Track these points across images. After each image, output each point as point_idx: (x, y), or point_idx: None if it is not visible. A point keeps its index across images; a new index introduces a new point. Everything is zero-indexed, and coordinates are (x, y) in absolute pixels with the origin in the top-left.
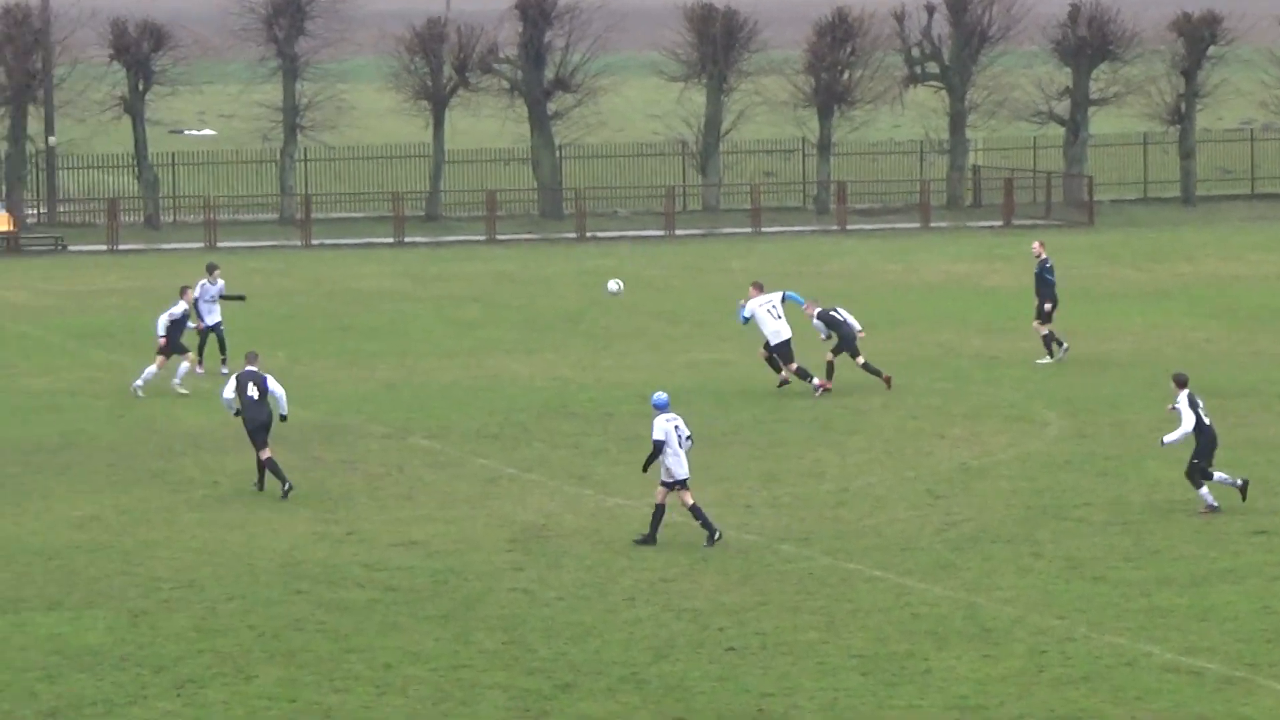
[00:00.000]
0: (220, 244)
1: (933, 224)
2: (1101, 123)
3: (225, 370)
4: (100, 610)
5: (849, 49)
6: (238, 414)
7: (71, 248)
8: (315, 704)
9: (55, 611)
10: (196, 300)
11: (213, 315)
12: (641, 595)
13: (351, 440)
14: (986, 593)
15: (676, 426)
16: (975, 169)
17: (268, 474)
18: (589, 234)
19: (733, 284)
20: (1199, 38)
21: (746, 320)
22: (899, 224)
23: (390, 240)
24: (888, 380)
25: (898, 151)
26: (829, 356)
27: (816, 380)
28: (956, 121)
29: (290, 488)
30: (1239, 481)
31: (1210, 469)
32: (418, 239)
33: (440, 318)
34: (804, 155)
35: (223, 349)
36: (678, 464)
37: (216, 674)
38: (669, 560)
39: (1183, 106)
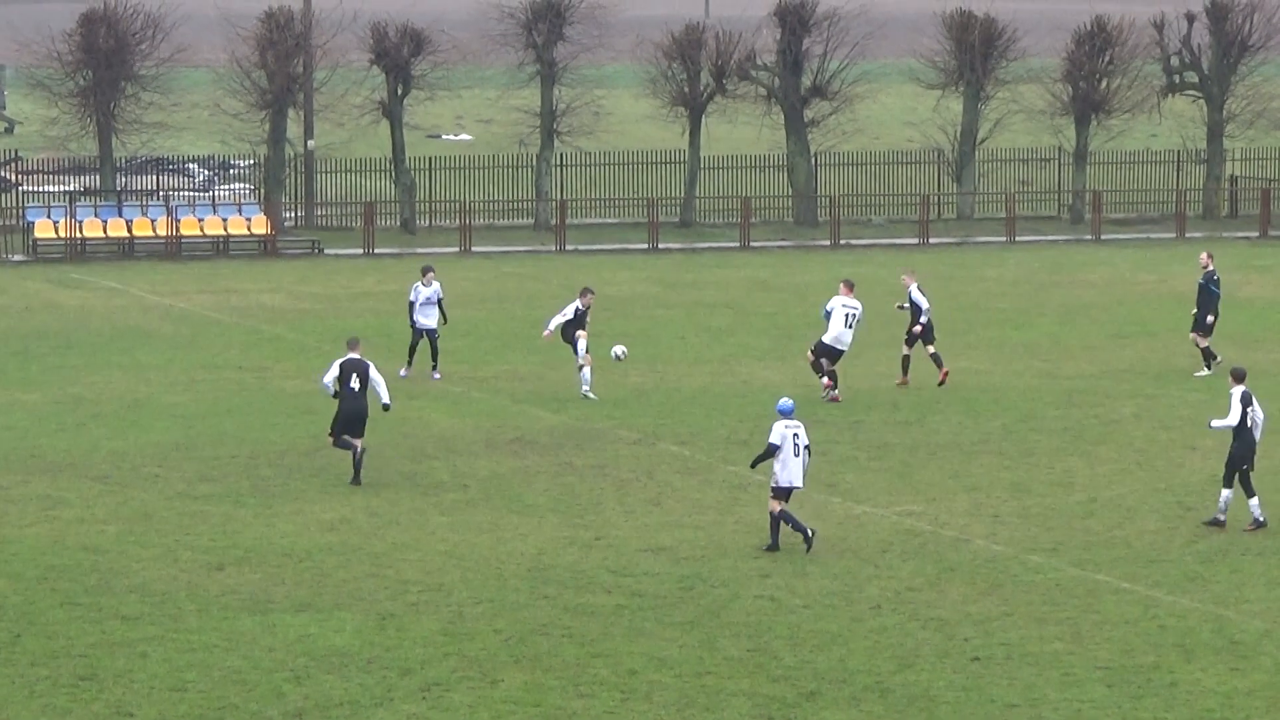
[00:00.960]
0: (475, 248)
1: (1188, 234)
2: None
3: (436, 376)
4: (348, 612)
5: (1107, 57)
6: (335, 396)
7: (328, 251)
8: (560, 709)
9: (304, 613)
10: (411, 303)
11: (429, 319)
12: (887, 604)
13: (601, 445)
14: (1235, 605)
15: (795, 434)
16: (1232, 179)
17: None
18: (843, 241)
19: (986, 292)
20: None
21: (827, 315)
22: (1154, 234)
23: (644, 246)
24: (944, 375)
25: (1154, 161)
26: (906, 350)
27: (830, 388)
28: (1214, 131)
29: (358, 483)
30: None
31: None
32: (671, 245)
33: (692, 324)
34: (1060, 164)
35: (434, 355)
36: (784, 471)
37: (462, 678)
38: (915, 569)
39: None
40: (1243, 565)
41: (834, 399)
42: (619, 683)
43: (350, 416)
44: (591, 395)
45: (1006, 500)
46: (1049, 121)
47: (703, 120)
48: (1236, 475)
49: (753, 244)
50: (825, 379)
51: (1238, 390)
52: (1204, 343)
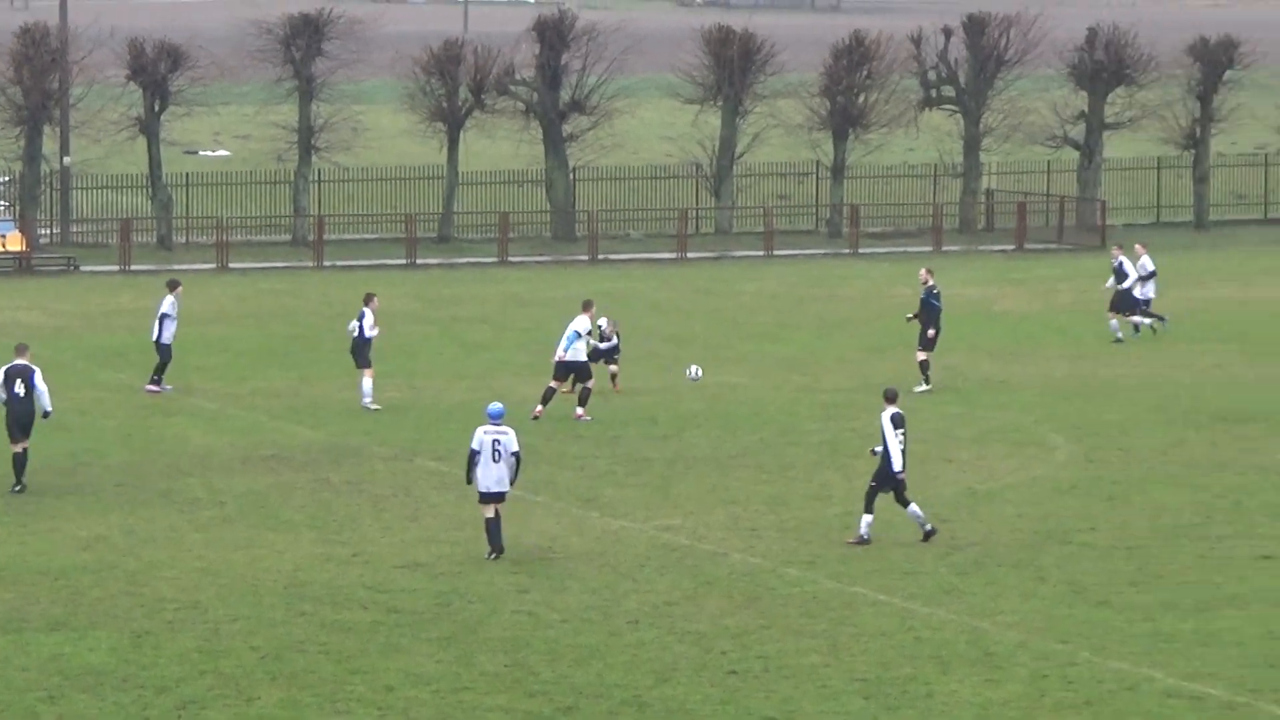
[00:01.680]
0: (232, 265)
1: (945, 247)
2: (1116, 146)
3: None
4: (103, 631)
5: (865, 72)
6: (4, 402)
7: (84, 268)
8: None
9: (58, 632)
10: (162, 315)
11: (169, 333)
12: (645, 619)
13: (359, 461)
14: (990, 617)
15: (497, 440)
16: (989, 193)
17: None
18: (601, 256)
19: (744, 307)
20: (1215, 62)
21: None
22: (911, 247)
23: (402, 262)
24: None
25: (911, 175)
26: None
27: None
28: (971, 145)
29: (21, 488)
30: None
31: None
32: (430, 261)
33: (450, 339)
34: (817, 178)
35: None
36: (483, 476)
37: (218, 695)
38: (673, 583)
39: (1197, 131)
40: (998, 577)
41: (537, 416)
42: (376, 699)
43: (19, 421)
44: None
45: (764, 513)
46: (807, 136)
47: (461, 135)
48: (877, 495)
49: (511, 259)
50: (542, 407)
51: (889, 411)
52: (924, 356)
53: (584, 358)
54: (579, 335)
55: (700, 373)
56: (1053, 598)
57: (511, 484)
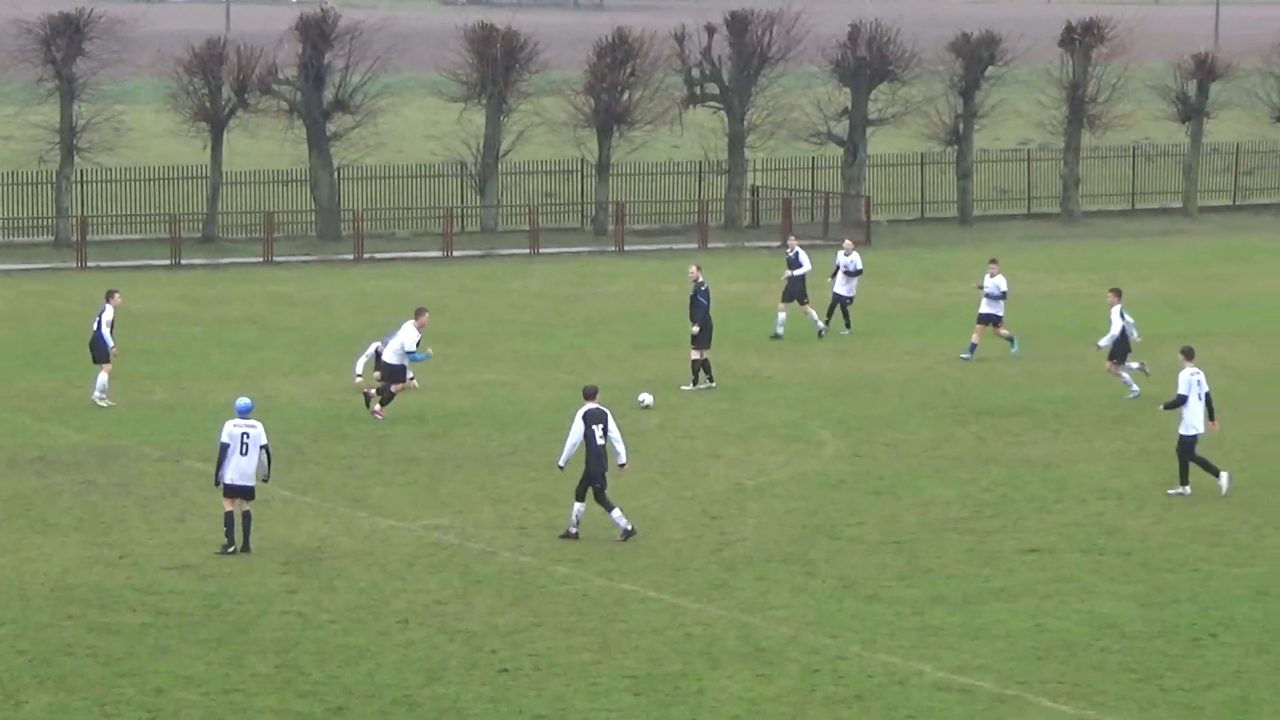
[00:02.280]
0: None
1: (711, 244)
2: (880, 143)
3: None
4: None
5: (629, 70)
6: None
7: None
8: None
9: None
10: None
11: None
12: (415, 618)
13: (126, 463)
14: (760, 612)
15: (246, 434)
16: (754, 189)
17: None
18: (367, 255)
19: (510, 305)
20: (977, 58)
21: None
22: (677, 244)
23: (167, 262)
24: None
25: (676, 172)
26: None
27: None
28: (735, 142)
29: None
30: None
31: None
32: (195, 261)
33: (216, 340)
34: (583, 176)
35: None
36: (233, 468)
37: None
38: (442, 582)
39: (960, 127)
40: (768, 573)
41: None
42: (145, 702)
43: None
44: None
45: (533, 511)
46: (572, 133)
47: (224, 135)
48: (591, 490)
49: (276, 259)
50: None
51: (586, 408)
52: (698, 355)
53: (401, 362)
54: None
55: (650, 400)
56: (822, 592)
57: (266, 480)
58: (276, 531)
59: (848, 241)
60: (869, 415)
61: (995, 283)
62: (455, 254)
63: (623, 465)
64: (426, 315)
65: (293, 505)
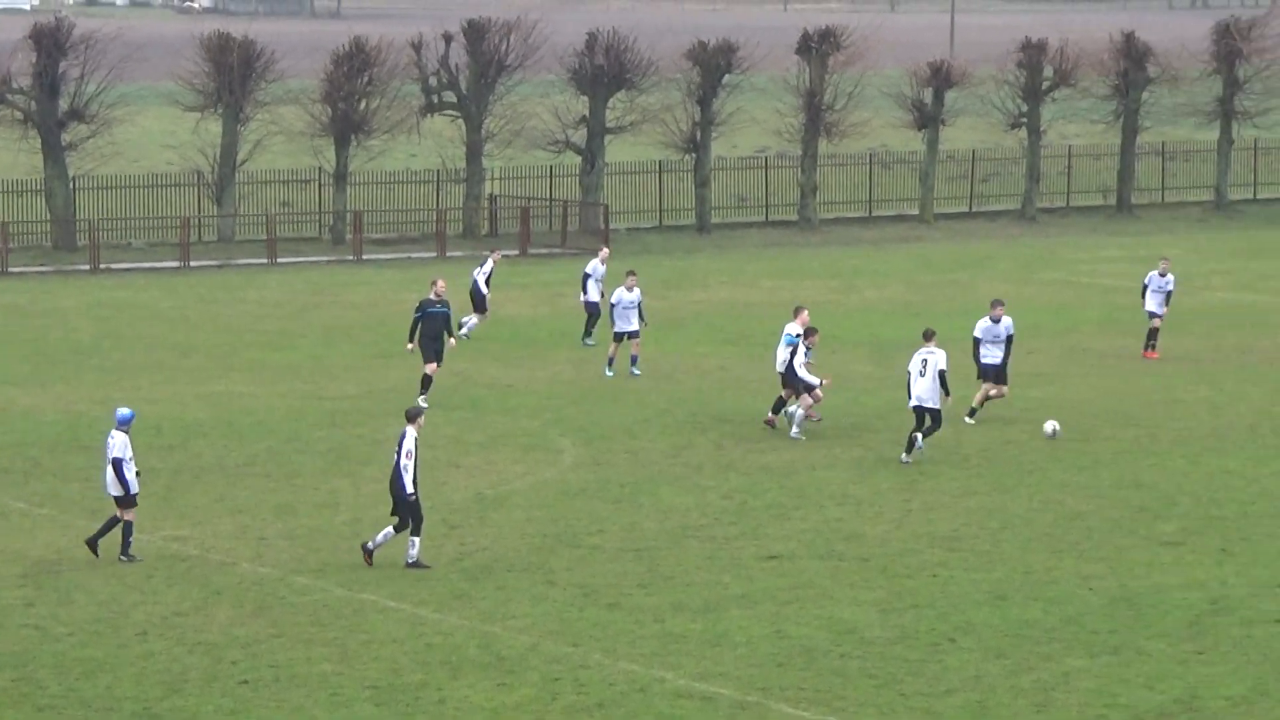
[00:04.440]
0: None
1: (449, 253)
2: (618, 151)
3: None
4: None
5: (366, 78)
6: None
7: None
8: None
9: None
10: None
11: None
12: (154, 630)
13: None
14: (501, 621)
15: (109, 445)
16: (492, 198)
17: None
18: (103, 266)
19: (248, 314)
20: (714, 66)
21: None
22: (415, 253)
23: None
24: None
25: (414, 181)
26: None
27: None
28: (473, 150)
29: None
30: None
31: None
32: None
33: None
34: (320, 185)
35: None
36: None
37: None
38: (182, 594)
39: (698, 135)
40: (508, 582)
41: None
42: None
43: None
44: None
45: (273, 522)
46: (309, 142)
47: None
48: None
49: (11, 270)
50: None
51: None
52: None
53: None
54: None
55: (1057, 428)
56: (563, 601)
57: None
58: (13, 544)
59: (605, 250)
60: (609, 423)
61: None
62: (192, 264)
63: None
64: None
65: (29, 518)
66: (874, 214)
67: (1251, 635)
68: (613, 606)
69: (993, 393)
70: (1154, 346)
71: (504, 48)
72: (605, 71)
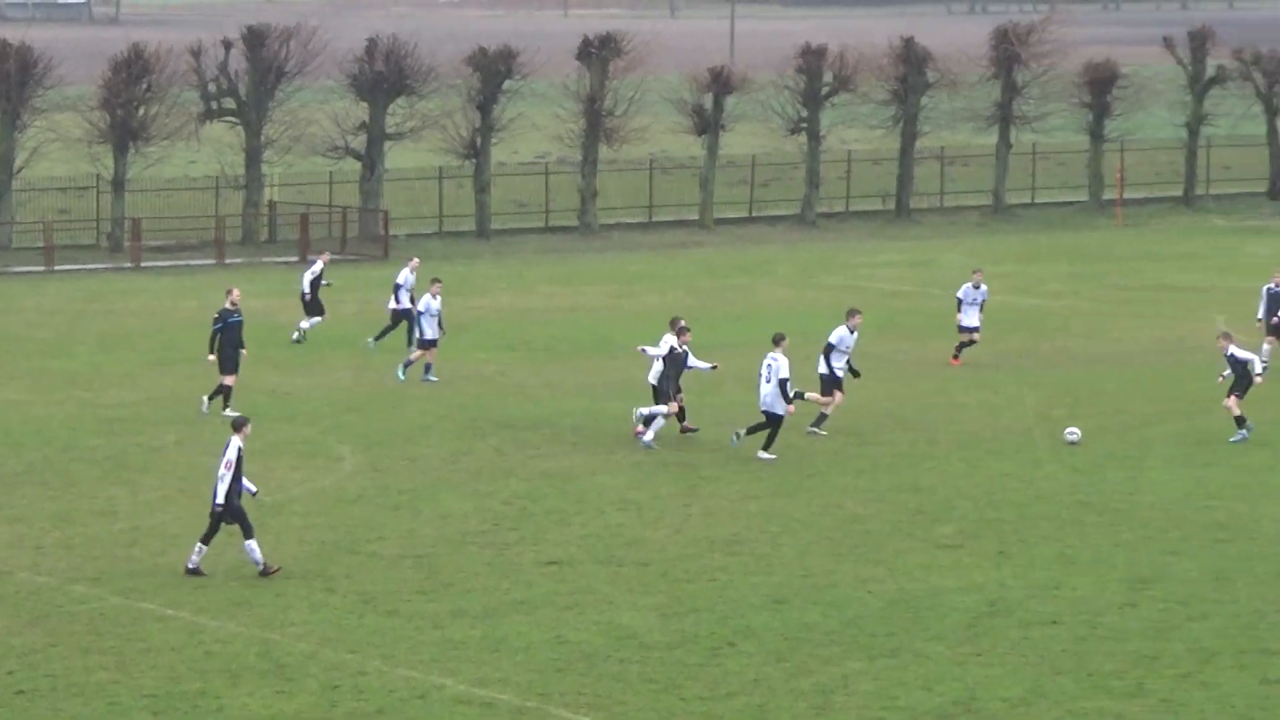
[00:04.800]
0: None
1: (228, 260)
2: (398, 157)
3: None
4: None
5: (145, 85)
6: None
7: None
8: None
9: None
10: None
11: None
12: None
13: None
14: (280, 629)
15: None
16: (272, 204)
17: None
18: None
19: (25, 323)
20: (495, 72)
21: None
22: (194, 260)
23: None
24: None
25: (194, 188)
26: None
27: None
28: (253, 157)
29: None
30: None
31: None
32: None
33: None
34: (99, 192)
35: None
36: None
37: None
38: None
39: (478, 140)
40: (287, 589)
41: None
42: None
43: None
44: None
45: (49, 531)
46: (87, 149)
47: None
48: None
49: None
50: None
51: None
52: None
53: None
54: None
55: (1078, 434)
56: (342, 608)
57: None
58: None
59: (415, 260)
60: (388, 430)
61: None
62: None
63: (254, 493)
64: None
65: None
66: (654, 219)
67: (1029, 637)
68: (392, 613)
69: (820, 399)
70: (958, 354)
71: (283, 54)
72: (385, 77)
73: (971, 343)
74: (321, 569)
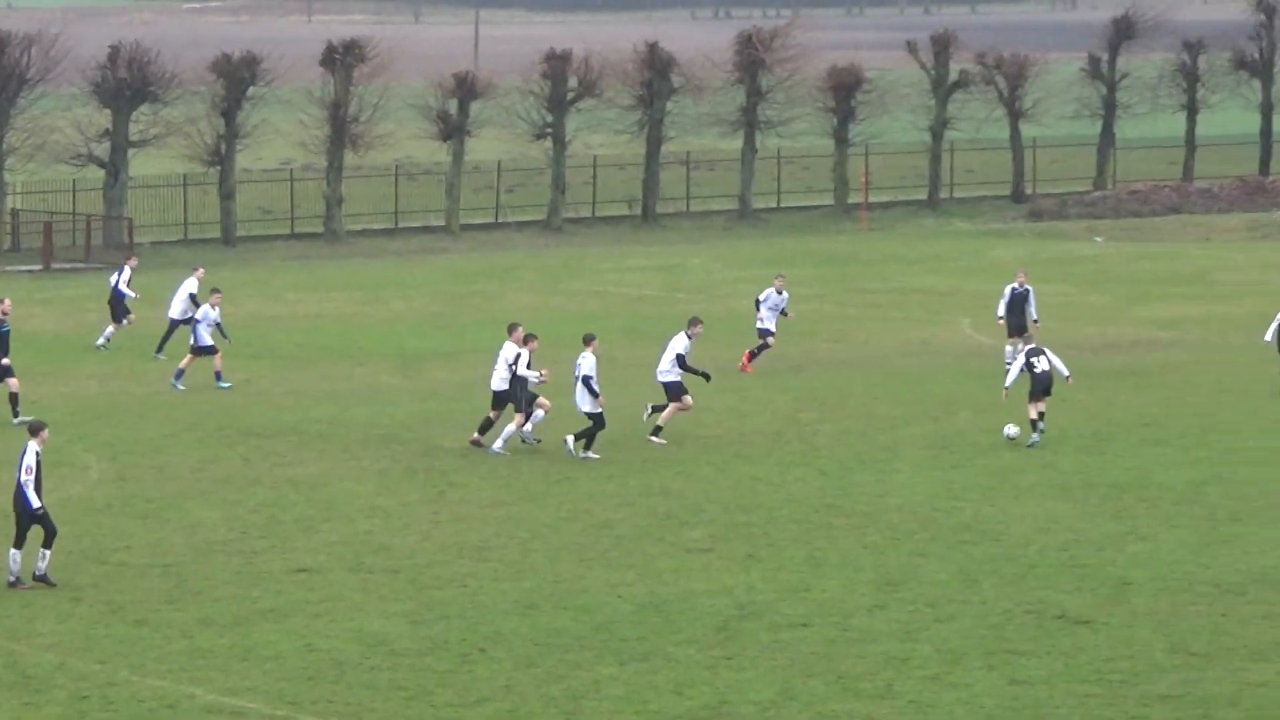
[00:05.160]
0: None
1: None
2: (143, 164)
3: None
4: None
5: None
6: None
7: None
8: None
9: None
10: None
11: None
12: None
13: None
14: (26, 639)
15: None
16: (14, 212)
17: None
18: None
19: None
20: (238, 79)
21: None
22: None
23: None
24: None
25: None
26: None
27: None
28: None
29: None
30: None
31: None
32: None
33: None
34: None
35: None
36: None
37: None
38: None
39: (223, 147)
40: (33, 599)
41: None
42: None
43: None
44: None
45: None
46: None
47: None
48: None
49: None
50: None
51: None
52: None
53: None
54: None
55: (1015, 431)
56: (89, 618)
57: None
58: None
59: (200, 270)
60: (135, 438)
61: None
62: None
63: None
64: None
65: None
66: (400, 225)
67: (779, 639)
68: (140, 623)
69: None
70: (752, 357)
71: (24, 61)
72: (128, 84)
73: (766, 346)
74: (69, 579)
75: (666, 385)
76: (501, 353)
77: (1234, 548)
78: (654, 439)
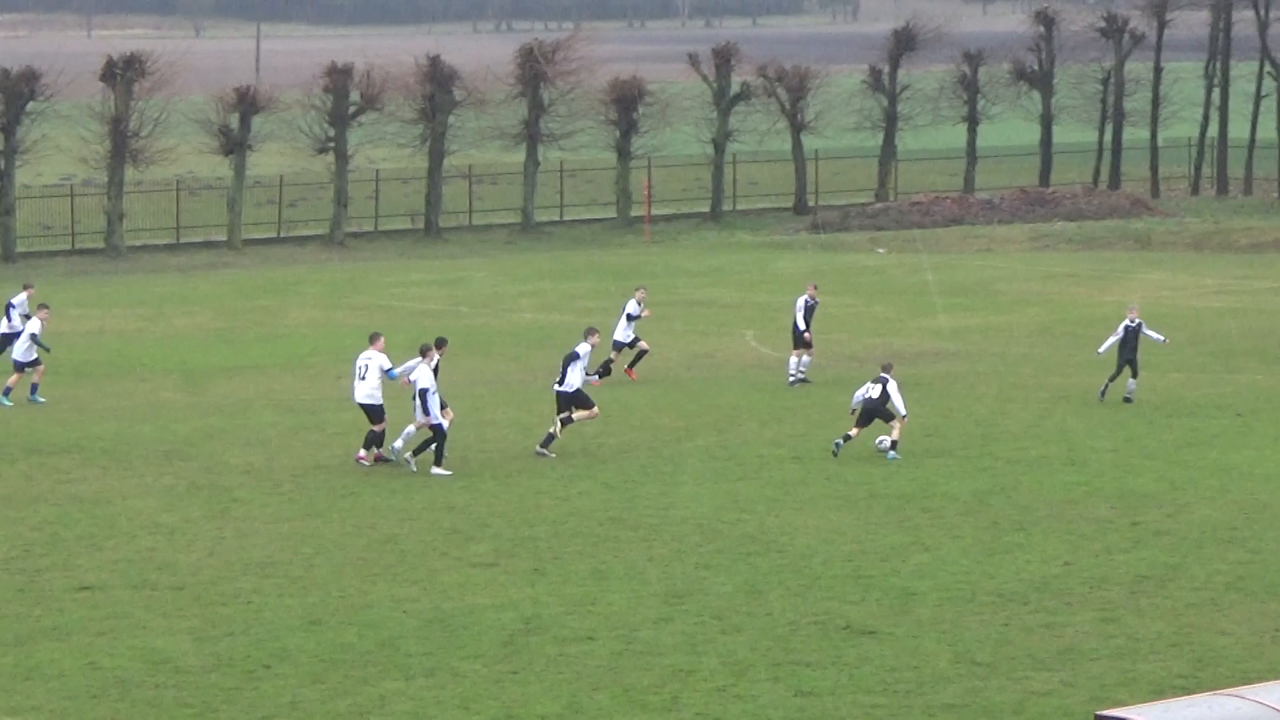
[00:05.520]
0: None
1: None
2: None
3: None
4: None
5: None
6: None
7: None
8: None
9: None
10: None
11: None
12: None
13: None
14: None
15: None
16: None
17: None
18: None
19: None
20: (17, 94)
21: None
22: None
23: None
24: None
25: None
26: None
27: None
28: None
29: None
30: None
31: None
32: None
33: None
34: None
35: None
36: None
37: None
38: None
39: (2, 163)
40: None
41: None
42: None
43: None
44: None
45: None
46: None
47: None
48: None
49: None
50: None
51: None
52: None
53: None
54: None
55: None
56: None
57: None
58: None
59: (30, 288)
60: None
61: None
62: None
63: None
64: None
65: None
66: (182, 240)
67: (565, 653)
68: None
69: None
70: (633, 366)
71: None
72: None
73: (644, 352)
74: None
75: (572, 397)
76: (368, 362)
77: (1017, 557)
78: (544, 450)
